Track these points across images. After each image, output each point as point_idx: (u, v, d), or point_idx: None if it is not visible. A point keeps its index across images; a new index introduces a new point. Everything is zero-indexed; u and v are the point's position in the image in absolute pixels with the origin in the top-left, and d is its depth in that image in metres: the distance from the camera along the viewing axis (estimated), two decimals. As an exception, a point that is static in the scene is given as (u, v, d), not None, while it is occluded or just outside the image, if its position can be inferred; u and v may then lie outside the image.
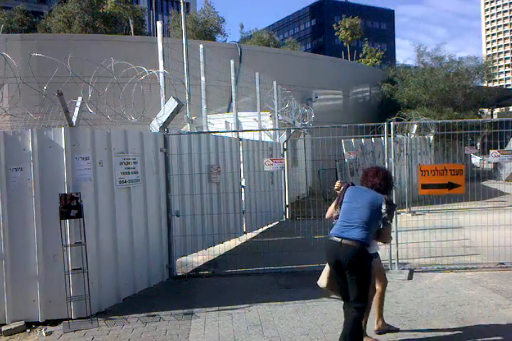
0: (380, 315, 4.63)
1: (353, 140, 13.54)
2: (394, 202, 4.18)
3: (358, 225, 3.89)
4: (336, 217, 4.11)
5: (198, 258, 7.85)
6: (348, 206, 4.03)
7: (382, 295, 4.58)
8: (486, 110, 37.28)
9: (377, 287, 4.52)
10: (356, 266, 3.85)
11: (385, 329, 4.62)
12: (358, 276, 3.88)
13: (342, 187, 4.24)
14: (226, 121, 13.49)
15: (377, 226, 3.99)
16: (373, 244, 4.15)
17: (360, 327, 3.99)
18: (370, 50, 49.32)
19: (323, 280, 4.22)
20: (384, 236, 4.09)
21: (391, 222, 4.04)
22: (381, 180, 4.12)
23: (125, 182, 5.92)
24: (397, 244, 6.70)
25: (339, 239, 3.90)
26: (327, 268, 4.19)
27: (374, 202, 3.96)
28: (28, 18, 33.34)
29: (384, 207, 3.92)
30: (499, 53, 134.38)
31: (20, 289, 5.18)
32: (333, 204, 4.24)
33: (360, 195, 4.06)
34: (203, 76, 10.67)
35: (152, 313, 5.36)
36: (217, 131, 10.63)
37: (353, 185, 4.22)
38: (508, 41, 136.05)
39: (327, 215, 4.34)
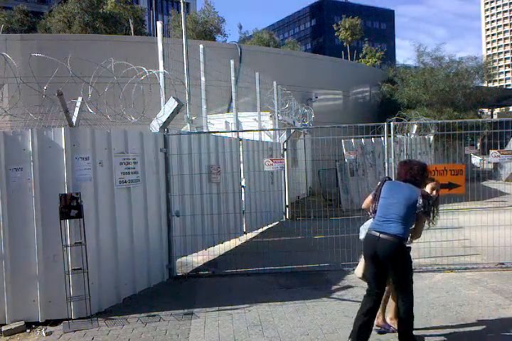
0: (383, 311, 4.61)
1: (353, 140, 13.56)
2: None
3: (395, 220, 4.01)
4: (374, 211, 4.21)
5: (198, 259, 7.85)
6: (385, 201, 4.13)
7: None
8: (486, 110, 37.30)
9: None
10: (394, 261, 4.01)
11: (384, 325, 4.60)
12: (397, 269, 4.06)
13: (379, 182, 4.34)
14: (226, 121, 13.49)
15: (414, 221, 4.09)
16: None
17: (412, 315, 4.12)
18: (370, 50, 49.32)
19: (359, 270, 4.42)
20: (415, 231, 4.19)
21: (428, 216, 4.11)
22: (406, 171, 4.20)
23: (125, 182, 5.92)
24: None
25: (377, 234, 4.04)
26: (363, 260, 4.34)
27: (410, 197, 4.04)
28: (28, 18, 33.31)
29: (420, 201, 3.99)
30: (499, 53, 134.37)
31: (20, 289, 5.18)
32: (370, 196, 4.34)
33: (396, 191, 4.14)
34: (203, 76, 10.66)
35: (152, 313, 5.36)
36: (217, 131, 10.63)
37: (390, 179, 4.32)
38: (508, 41, 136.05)
39: (364, 206, 4.46)
